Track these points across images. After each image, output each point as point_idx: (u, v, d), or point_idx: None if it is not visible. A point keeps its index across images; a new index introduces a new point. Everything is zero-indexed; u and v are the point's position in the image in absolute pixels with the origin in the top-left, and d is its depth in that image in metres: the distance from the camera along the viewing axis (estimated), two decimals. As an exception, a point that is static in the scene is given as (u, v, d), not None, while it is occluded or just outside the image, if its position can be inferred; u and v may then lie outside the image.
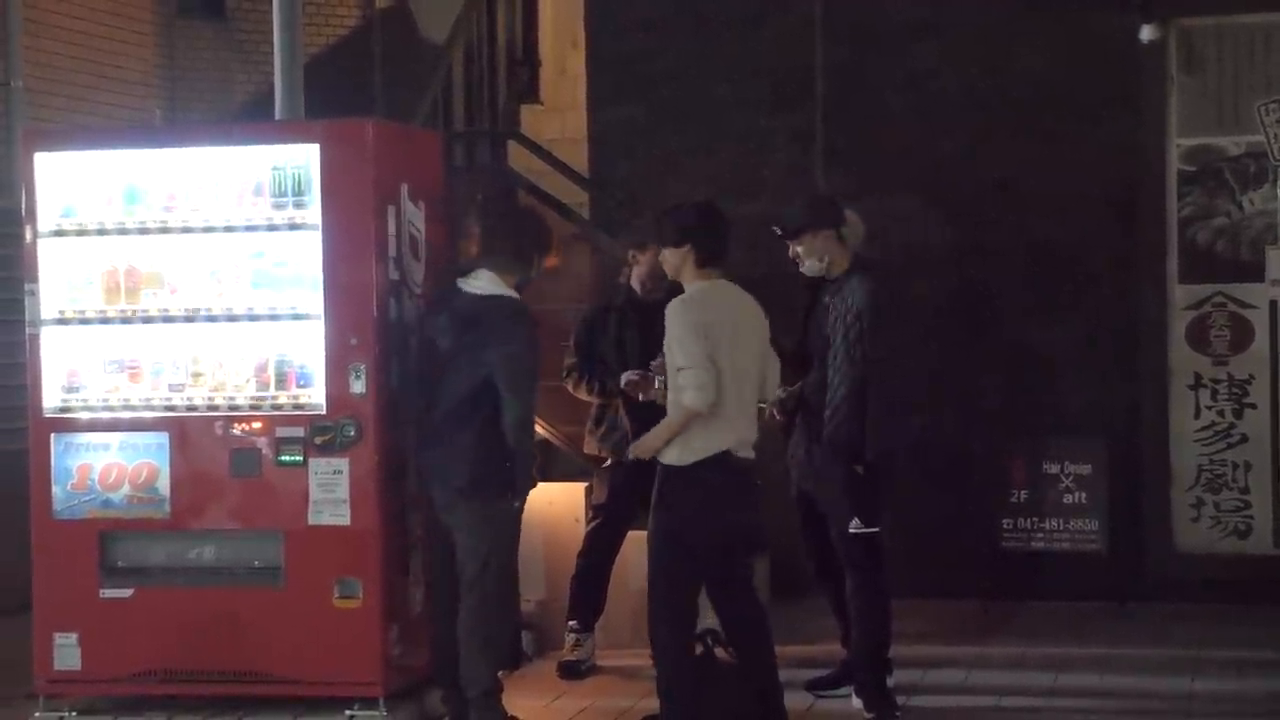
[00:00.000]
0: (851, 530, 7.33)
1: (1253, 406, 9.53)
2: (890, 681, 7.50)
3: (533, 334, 7.07)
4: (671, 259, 6.98)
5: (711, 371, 6.72)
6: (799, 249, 7.52)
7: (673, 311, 6.85)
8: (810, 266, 7.53)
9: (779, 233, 7.55)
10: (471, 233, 7.36)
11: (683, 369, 6.76)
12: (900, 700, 7.44)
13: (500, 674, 7.68)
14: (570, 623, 8.27)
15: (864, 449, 7.29)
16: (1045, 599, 9.43)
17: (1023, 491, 9.56)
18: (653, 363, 7.28)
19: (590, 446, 8.36)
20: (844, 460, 7.33)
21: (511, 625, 7.38)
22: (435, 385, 7.07)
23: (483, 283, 7.08)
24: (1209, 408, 9.59)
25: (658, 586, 6.91)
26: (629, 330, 8.12)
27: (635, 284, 8.24)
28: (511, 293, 7.10)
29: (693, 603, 6.97)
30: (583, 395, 8.24)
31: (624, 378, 7.71)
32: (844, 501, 7.36)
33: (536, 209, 8.90)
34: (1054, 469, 9.52)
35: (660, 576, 6.90)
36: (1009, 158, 9.69)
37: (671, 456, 6.82)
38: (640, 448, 6.98)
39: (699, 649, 7.09)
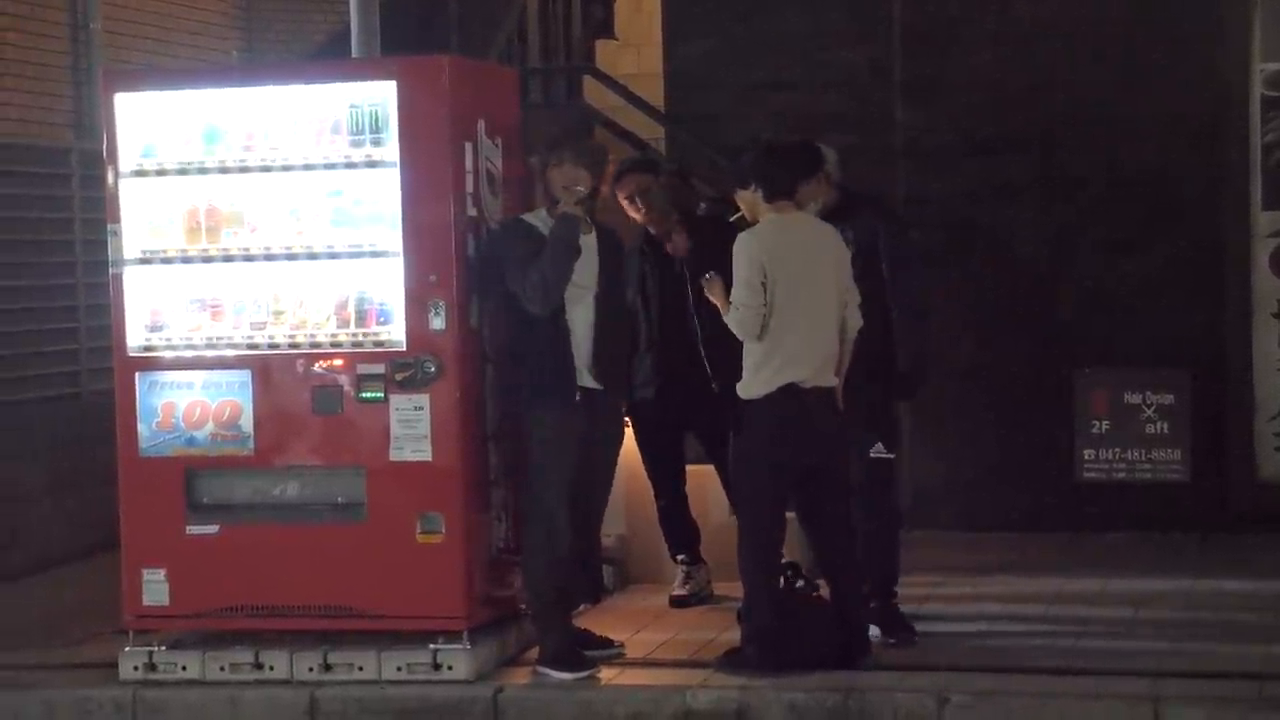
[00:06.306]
0: (873, 455, 7.37)
1: (1338, 335, 9.45)
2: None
3: (512, 238, 7.13)
4: (745, 200, 7.15)
5: (753, 306, 6.88)
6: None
7: (736, 244, 7.04)
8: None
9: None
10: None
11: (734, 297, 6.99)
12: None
13: (580, 608, 7.75)
14: (679, 557, 8.31)
15: (897, 374, 7.35)
16: (1127, 530, 9.39)
17: (1105, 422, 9.51)
18: (707, 276, 7.27)
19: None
20: (867, 383, 7.32)
21: (574, 554, 7.39)
22: None
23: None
24: (1293, 336, 9.50)
25: (742, 514, 7.18)
26: (650, 270, 8.14)
27: (648, 225, 8.17)
28: (528, 216, 7.23)
29: (777, 530, 7.10)
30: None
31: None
32: (867, 425, 7.36)
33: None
34: (1136, 399, 9.47)
35: (743, 504, 7.19)
36: (1089, 85, 9.58)
37: (743, 389, 7.04)
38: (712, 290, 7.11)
39: (781, 582, 7.16)
